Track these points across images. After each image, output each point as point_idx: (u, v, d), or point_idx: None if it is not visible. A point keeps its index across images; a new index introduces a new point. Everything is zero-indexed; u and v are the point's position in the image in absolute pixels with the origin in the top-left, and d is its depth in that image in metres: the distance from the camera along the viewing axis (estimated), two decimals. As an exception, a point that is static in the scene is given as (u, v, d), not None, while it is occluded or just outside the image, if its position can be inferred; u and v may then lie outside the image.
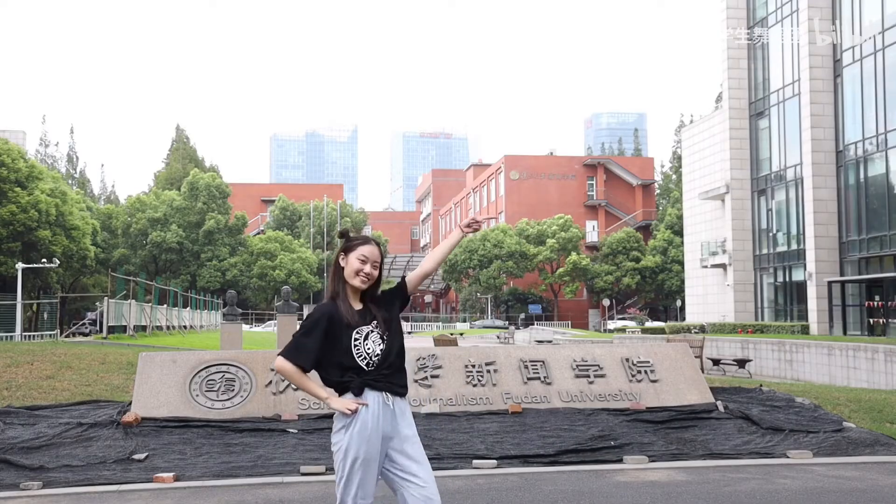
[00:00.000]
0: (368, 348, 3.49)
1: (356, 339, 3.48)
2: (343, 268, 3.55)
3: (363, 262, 3.52)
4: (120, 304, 26.31)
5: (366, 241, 3.58)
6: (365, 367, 3.47)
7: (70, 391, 10.36)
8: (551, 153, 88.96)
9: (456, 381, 9.00)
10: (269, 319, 59.57)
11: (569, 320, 67.60)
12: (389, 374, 3.53)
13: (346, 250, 3.56)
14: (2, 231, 39.55)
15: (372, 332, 3.52)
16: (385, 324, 3.56)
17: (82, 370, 11.79)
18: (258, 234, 74.27)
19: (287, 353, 3.48)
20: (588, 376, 9.22)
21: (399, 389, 3.55)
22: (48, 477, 6.63)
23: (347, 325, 3.47)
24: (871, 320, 31.52)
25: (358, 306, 3.57)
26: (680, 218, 59.90)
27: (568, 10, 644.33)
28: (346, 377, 3.47)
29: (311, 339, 3.47)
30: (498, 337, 45.39)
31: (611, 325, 60.20)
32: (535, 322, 65.66)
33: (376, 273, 3.55)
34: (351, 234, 3.63)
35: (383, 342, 3.54)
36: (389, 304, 3.66)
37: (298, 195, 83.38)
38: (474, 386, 9.00)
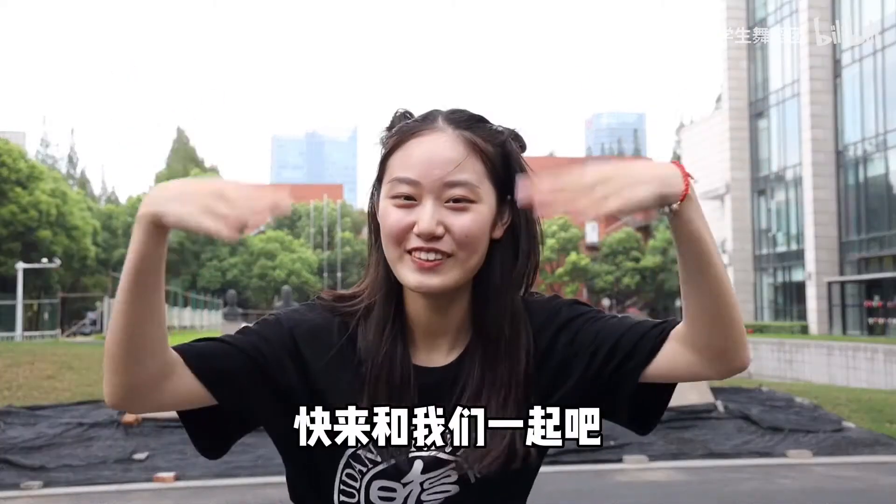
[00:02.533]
0: (379, 497, 1.20)
1: (353, 468, 1.23)
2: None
3: (405, 197, 1.15)
4: (120, 304, 26.29)
5: (421, 123, 1.16)
6: None
7: (70, 391, 10.37)
8: (551, 154, 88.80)
9: (456, 381, 8.98)
10: (269, 319, 59.48)
11: (569, 320, 67.56)
12: None
13: (379, 180, 1.22)
14: (2, 231, 39.56)
15: (430, 461, 1.20)
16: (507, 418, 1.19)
17: (83, 370, 11.79)
18: (258, 234, 74.24)
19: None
20: (588, 376, 9.22)
21: None
22: (49, 477, 6.65)
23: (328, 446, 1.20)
24: (871, 320, 31.51)
25: (438, 356, 1.24)
26: (680, 218, 59.84)
27: (568, 10, 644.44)
28: None
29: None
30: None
31: (611, 325, 60.15)
32: (535, 322, 65.55)
33: (469, 223, 1.11)
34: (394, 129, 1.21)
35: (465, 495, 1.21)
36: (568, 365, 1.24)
37: (298, 195, 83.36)
38: (474, 386, 8.98)
